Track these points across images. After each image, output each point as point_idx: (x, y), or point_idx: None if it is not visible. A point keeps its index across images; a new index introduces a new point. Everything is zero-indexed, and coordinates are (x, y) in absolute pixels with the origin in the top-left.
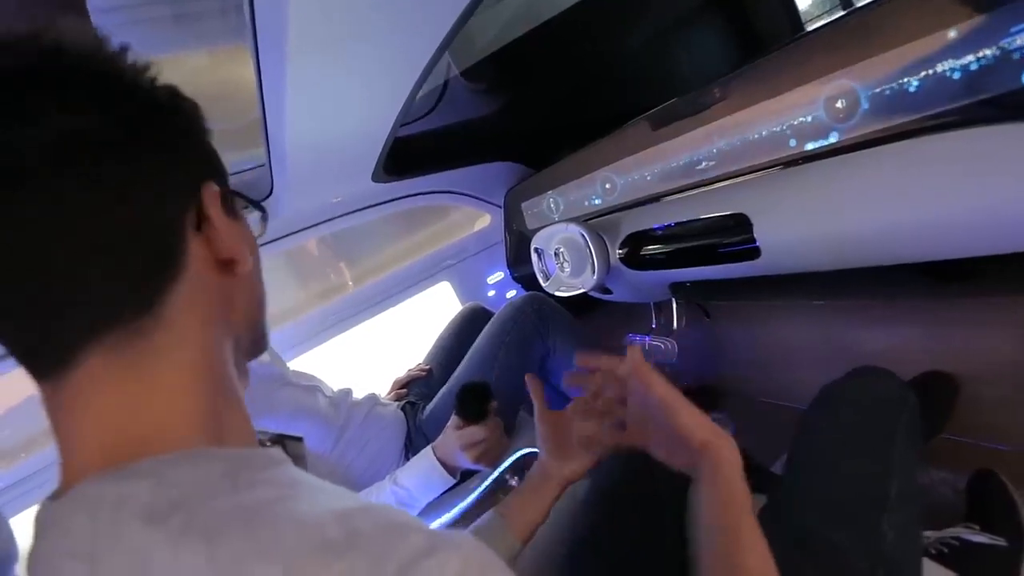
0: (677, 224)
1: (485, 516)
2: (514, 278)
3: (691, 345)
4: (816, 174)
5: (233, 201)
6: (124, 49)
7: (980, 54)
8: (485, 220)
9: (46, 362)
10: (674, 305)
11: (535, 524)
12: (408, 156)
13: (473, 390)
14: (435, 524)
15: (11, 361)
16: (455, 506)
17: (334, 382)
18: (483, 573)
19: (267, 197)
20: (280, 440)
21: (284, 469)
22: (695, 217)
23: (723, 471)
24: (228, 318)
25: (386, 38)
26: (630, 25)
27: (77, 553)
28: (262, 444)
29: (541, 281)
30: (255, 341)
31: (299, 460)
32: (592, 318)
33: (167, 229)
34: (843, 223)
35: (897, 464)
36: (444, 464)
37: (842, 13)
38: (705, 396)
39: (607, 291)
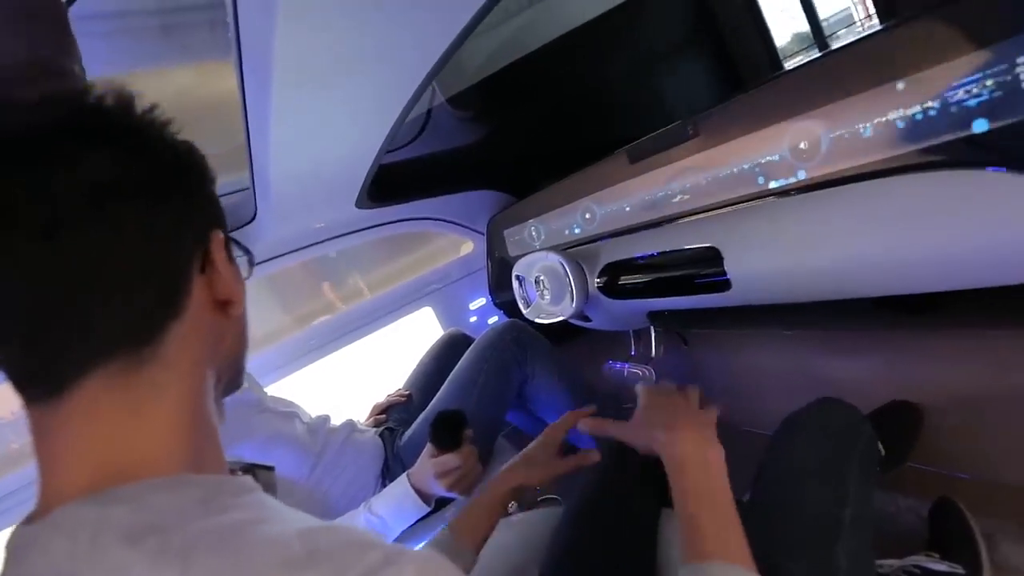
0: (653, 255)
1: (437, 532)
2: (496, 304)
3: (669, 371)
4: (783, 211)
5: (231, 246)
6: (153, 107)
7: (929, 104)
8: (468, 247)
9: (43, 388)
10: (652, 333)
11: (484, 533)
12: (392, 183)
13: (448, 419)
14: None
15: None
16: (431, 532)
17: (314, 407)
18: None
19: (251, 221)
20: (251, 469)
21: (255, 495)
22: (670, 248)
23: (675, 463)
24: (215, 357)
25: (373, 71)
26: (614, 58)
27: (59, 574)
28: (233, 473)
29: (522, 308)
30: (233, 378)
31: (269, 488)
32: (573, 345)
33: (177, 272)
34: (809, 259)
35: (852, 492)
36: (419, 492)
37: (812, 57)
38: None
39: (586, 319)
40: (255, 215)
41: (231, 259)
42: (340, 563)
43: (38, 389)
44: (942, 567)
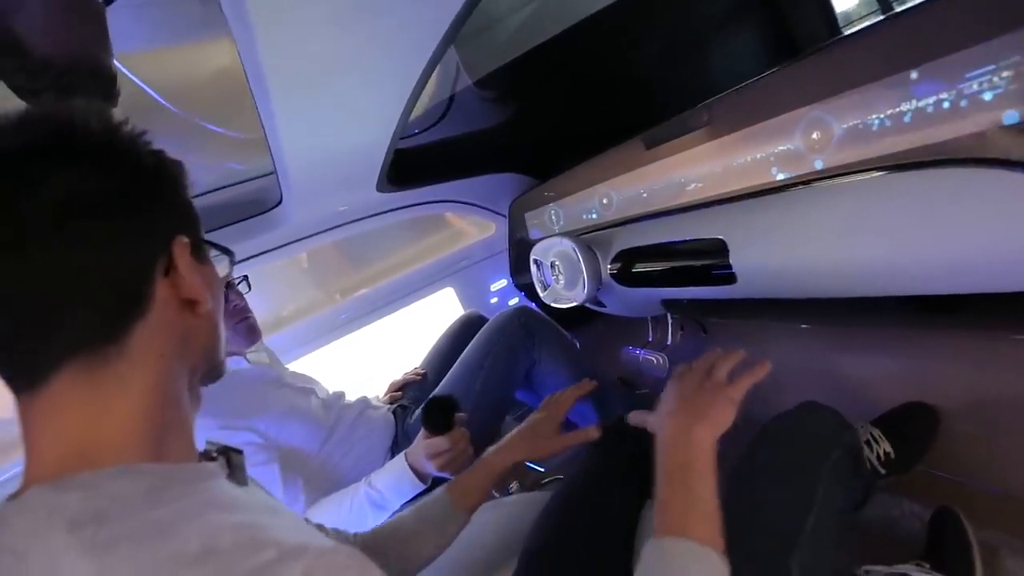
0: (663, 244)
1: (435, 491)
2: (516, 286)
3: (685, 360)
4: (790, 205)
5: (203, 247)
6: (124, 122)
7: (950, 92)
8: (491, 228)
9: (23, 380)
10: (669, 320)
11: (479, 499)
12: (411, 167)
13: (439, 403)
14: None
15: None
16: None
17: (336, 383)
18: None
19: (278, 204)
20: (225, 451)
21: (209, 483)
22: (679, 239)
23: (661, 445)
24: (185, 351)
25: (369, 67)
26: (647, 36)
27: (15, 549)
28: (209, 455)
29: (539, 292)
30: (210, 370)
31: (238, 470)
32: (591, 329)
33: (138, 277)
34: (815, 255)
35: (819, 500)
36: (415, 470)
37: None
38: None
39: (601, 304)
40: (281, 199)
41: (203, 260)
42: (228, 561)
43: (19, 382)
44: None
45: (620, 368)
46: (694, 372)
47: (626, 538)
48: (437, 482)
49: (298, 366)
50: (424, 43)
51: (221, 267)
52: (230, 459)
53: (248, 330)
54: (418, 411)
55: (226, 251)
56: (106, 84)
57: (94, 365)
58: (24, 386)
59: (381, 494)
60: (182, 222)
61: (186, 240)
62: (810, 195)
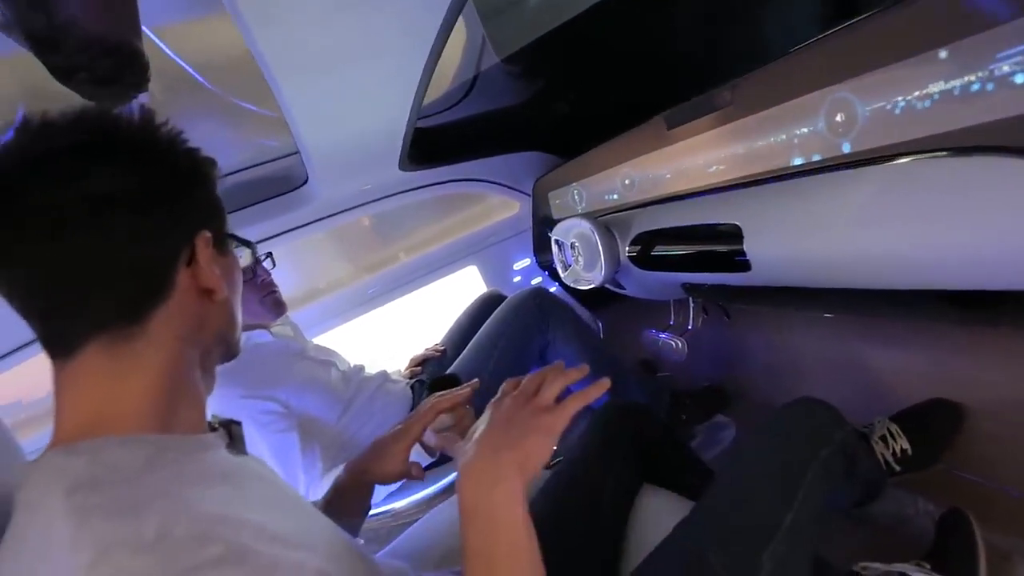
0: (680, 228)
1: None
2: (539, 265)
3: (707, 345)
4: (808, 191)
5: (225, 240)
6: (164, 123)
7: (981, 73)
8: (515, 207)
9: (58, 350)
10: (691, 304)
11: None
12: (433, 146)
13: (443, 383)
14: (419, 496)
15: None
16: (436, 482)
17: (360, 357)
18: None
19: (305, 183)
20: (227, 424)
21: (207, 455)
22: (696, 223)
23: (462, 513)
24: (200, 334)
25: (373, 52)
26: (681, 10)
27: (29, 503)
28: (211, 427)
29: (560, 272)
30: (226, 352)
31: (237, 441)
32: (615, 309)
33: (162, 266)
34: (833, 245)
35: (801, 497)
36: (422, 444)
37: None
38: (713, 397)
39: (620, 286)
40: (307, 178)
41: (224, 251)
42: (174, 553)
43: (55, 351)
44: None
45: (641, 350)
46: (519, 393)
47: (617, 522)
48: (445, 457)
49: (324, 340)
50: (427, 24)
51: (244, 258)
52: (231, 431)
53: (274, 303)
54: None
55: (247, 244)
56: (137, 67)
57: (117, 342)
58: (58, 354)
59: None
60: (208, 217)
61: (209, 234)
62: (829, 181)
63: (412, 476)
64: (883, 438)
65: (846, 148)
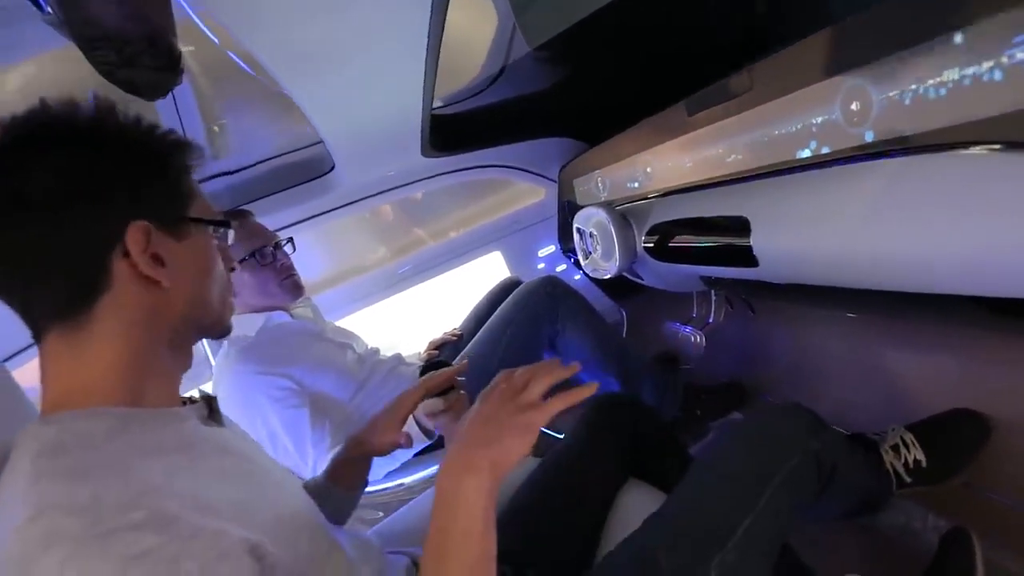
0: (691, 220)
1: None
2: (563, 252)
3: (730, 340)
4: (819, 184)
5: (185, 224)
6: (118, 111)
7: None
8: (540, 194)
9: (33, 336)
10: (712, 297)
11: (349, 480)
12: (457, 132)
13: (435, 368)
14: (425, 474)
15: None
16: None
17: (382, 340)
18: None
19: (332, 170)
20: (206, 397)
21: (172, 427)
22: (709, 215)
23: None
24: (157, 320)
25: (371, 41)
26: None
27: (11, 465)
28: (191, 400)
29: (581, 259)
30: (204, 329)
31: (216, 413)
32: (639, 300)
33: (90, 259)
34: (845, 243)
35: (762, 506)
36: (420, 426)
37: None
38: (730, 394)
39: (639, 277)
40: (334, 165)
41: (182, 236)
42: (99, 516)
43: (33, 336)
44: None
45: (662, 342)
46: (507, 386)
47: (599, 512)
48: (442, 438)
49: (348, 322)
50: (418, 8)
51: (234, 236)
52: (210, 403)
53: (293, 286)
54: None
55: (223, 224)
56: (169, 56)
57: (71, 329)
58: (34, 339)
59: None
60: (151, 205)
61: (144, 223)
62: (842, 174)
63: (402, 445)
64: (895, 447)
65: (868, 138)
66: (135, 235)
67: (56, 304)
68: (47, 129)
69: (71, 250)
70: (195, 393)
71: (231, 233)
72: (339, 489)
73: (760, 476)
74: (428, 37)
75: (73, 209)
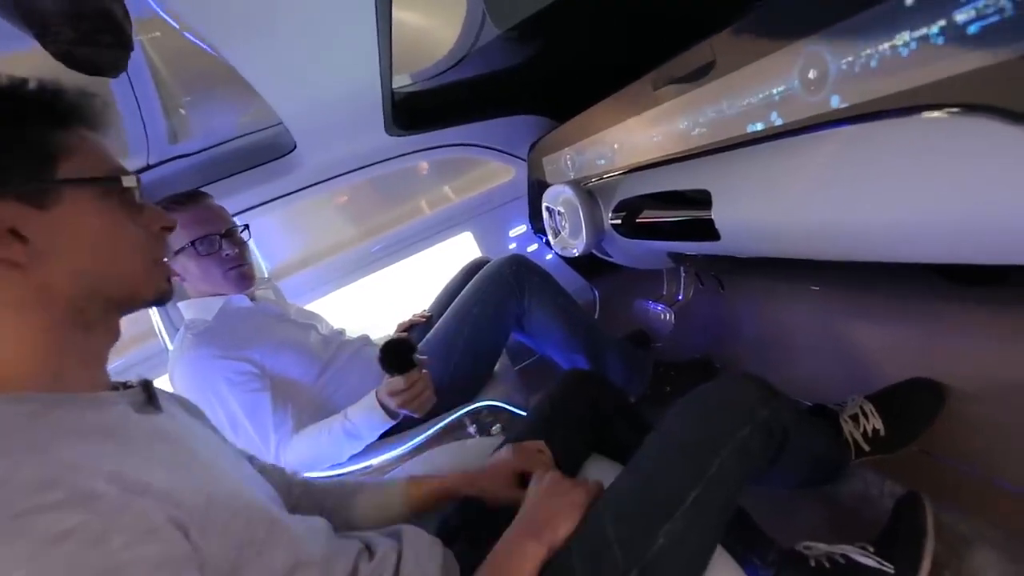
0: (655, 195)
1: (401, 475)
2: (535, 232)
3: (699, 316)
4: (776, 154)
5: (44, 192)
6: None
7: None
8: (510, 173)
9: None
10: (682, 275)
11: (428, 507)
12: (422, 110)
13: (393, 346)
14: (393, 454)
15: None
16: (409, 440)
17: (350, 322)
18: (101, 541)
19: (292, 150)
20: (145, 383)
21: (97, 411)
22: (672, 189)
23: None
24: (50, 301)
25: (311, 11)
26: None
27: None
28: (126, 385)
29: (551, 238)
30: (118, 302)
31: (154, 399)
32: (611, 278)
33: None
34: (801, 212)
35: (711, 475)
36: (384, 407)
37: None
38: (698, 370)
39: (608, 255)
40: (295, 145)
41: (47, 205)
42: (11, 496)
43: None
44: (870, 561)
45: (634, 320)
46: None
47: None
48: (407, 418)
49: (316, 306)
50: None
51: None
52: (149, 389)
53: (238, 277)
54: None
55: (106, 180)
56: (124, 31)
57: None
58: None
59: (355, 426)
60: None
61: None
62: (796, 145)
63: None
64: (854, 417)
65: (827, 106)
66: None
67: None
68: None
69: None
70: (132, 380)
71: (132, 185)
72: (405, 511)
73: (709, 446)
74: (375, 7)
75: None
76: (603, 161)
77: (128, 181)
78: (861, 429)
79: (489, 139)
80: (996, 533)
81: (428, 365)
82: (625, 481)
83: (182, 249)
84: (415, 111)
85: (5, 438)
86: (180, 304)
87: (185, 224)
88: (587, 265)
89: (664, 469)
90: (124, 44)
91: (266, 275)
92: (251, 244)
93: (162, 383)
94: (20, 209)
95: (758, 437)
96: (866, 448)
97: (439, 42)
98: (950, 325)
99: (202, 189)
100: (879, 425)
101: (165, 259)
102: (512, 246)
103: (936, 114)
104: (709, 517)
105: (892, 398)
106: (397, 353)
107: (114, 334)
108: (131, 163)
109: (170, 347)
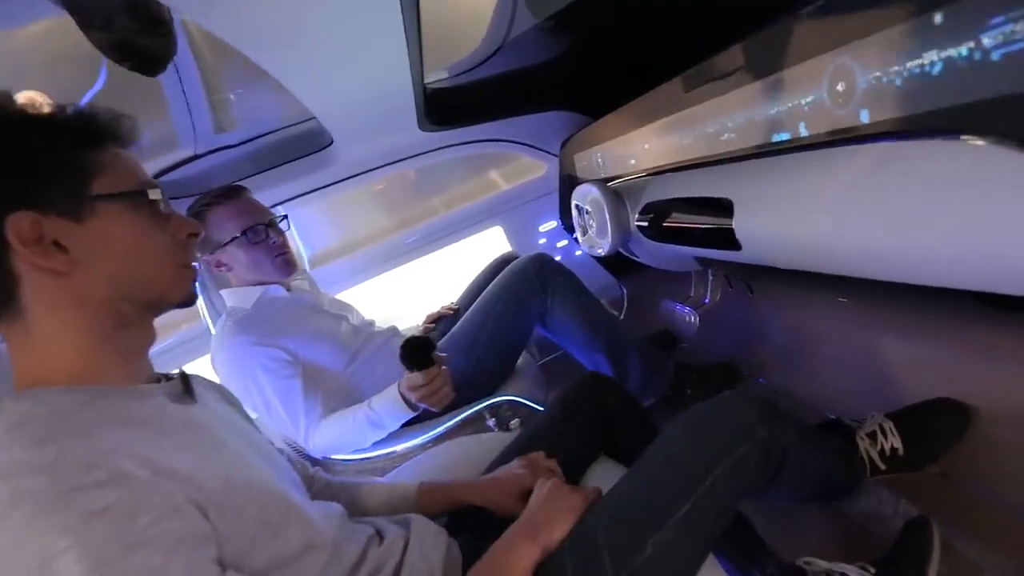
0: (679, 200)
1: (409, 487)
2: (565, 229)
3: (727, 320)
4: (803, 167)
5: (80, 207)
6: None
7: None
8: (542, 168)
9: None
10: (709, 277)
11: (437, 511)
12: (455, 106)
13: (412, 343)
14: (415, 442)
15: None
16: (431, 430)
17: (381, 312)
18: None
19: (329, 145)
20: (183, 375)
21: (138, 403)
22: (697, 195)
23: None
24: (87, 304)
25: (343, 15)
26: None
27: None
28: (167, 377)
29: (579, 236)
30: (149, 305)
31: (190, 391)
32: (640, 277)
33: None
34: (824, 228)
35: (703, 490)
36: (405, 399)
37: None
38: (721, 374)
39: (635, 255)
40: (332, 140)
41: (82, 219)
42: (62, 475)
43: None
44: None
45: (660, 320)
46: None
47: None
48: (427, 410)
49: (348, 295)
50: None
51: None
52: (186, 381)
53: (284, 264)
54: (439, 343)
55: (136, 194)
56: (161, 25)
57: (14, 321)
58: None
59: (379, 415)
60: (28, 194)
61: (25, 214)
62: (823, 159)
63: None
64: (871, 435)
65: (855, 121)
66: (15, 228)
67: None
68: None
69: None
70: (174, 371)
71: (158, 197)
72: (415, 508)
73: (705, 463)
74: (402, 6)
75: None
76: (634, 161)
77: (154, 194)
78: (878, 447)
79: (521, 134)
80: (1008, 563)
81: (447, 363)
82: (621, 488)
83: (232, 239)
84: (448, 107)
85: (58, 425)
86: (223, 292)
87: (232, 216)
88: (616, 263)
89: (658, 481)
90: (172, 36)
91: (306, 266)
92: (294, 233)
93: (204, 361)
94: (61, 223)
95: (755, 457)
96: (882, 467)
97: (471, 33)
98: (979, 347)
99: (243, 181)
100: (898, 444)
101: (194, 263)
102: (542, 241)
103: (970, 140)
104: (699, 531)
105: (915, 417)
106: (416, 350)
107: (150, 333)
108: (179, 153)
109: (213, 331)
